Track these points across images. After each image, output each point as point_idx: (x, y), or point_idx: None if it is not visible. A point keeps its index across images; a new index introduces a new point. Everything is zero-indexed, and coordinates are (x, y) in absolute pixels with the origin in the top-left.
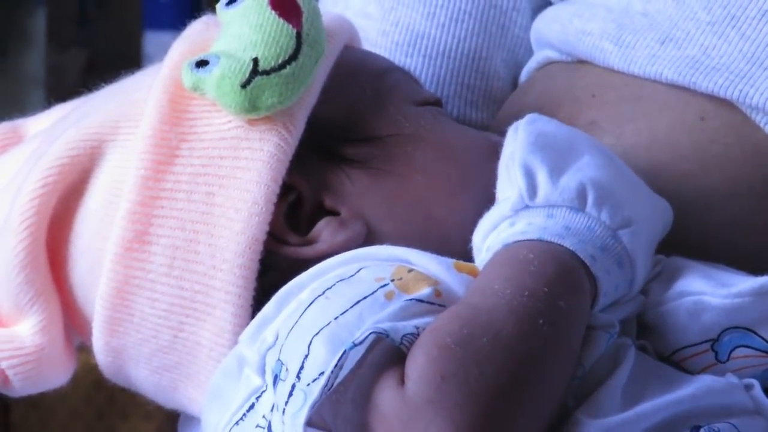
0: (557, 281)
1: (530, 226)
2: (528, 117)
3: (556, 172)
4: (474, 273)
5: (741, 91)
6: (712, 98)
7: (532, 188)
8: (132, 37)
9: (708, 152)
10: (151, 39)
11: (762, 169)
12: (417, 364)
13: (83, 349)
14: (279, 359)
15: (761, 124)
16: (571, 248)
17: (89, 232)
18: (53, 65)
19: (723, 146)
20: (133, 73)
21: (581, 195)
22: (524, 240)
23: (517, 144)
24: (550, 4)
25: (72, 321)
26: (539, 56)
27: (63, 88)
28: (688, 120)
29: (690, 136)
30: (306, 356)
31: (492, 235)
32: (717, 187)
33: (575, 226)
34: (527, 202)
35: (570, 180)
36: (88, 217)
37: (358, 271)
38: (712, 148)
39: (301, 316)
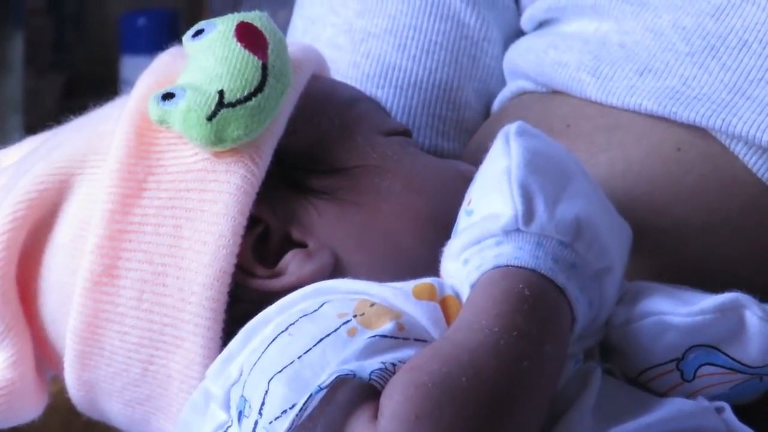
0: (548, 324)
1: (521, 251)
2: (517, 126)
3: (551, 200)
4: (433, 296)
5: (724, 120)
6: (688, 129)
7: (529, 213)
8: (109, 62)
9: (684, 183)
10: (128, 63)
11: (738, 201)
12: (392, 401)
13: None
14: (243, 395)
15: (740, 155)
16: (561, 285)
17: (59, 267)
18: (31, 90)
19: (699, 177)
20: (110, 97)
21: (575, 230)
22: (517, 266)
23: (512, 161)
24: (523, 33)
25: (44, 355)
26: (513, 86)
27: (41, 112)
28: (664, 151)
29: (666, 167)
30: (266, 392)
31: (474, 249)
32: (693, 219)
33: (561, 261)
34: (521, 226)
35: (565, 212)
36: (57, 251)
37: (321, 306)
38: (688, 179)
39: (264, 352)
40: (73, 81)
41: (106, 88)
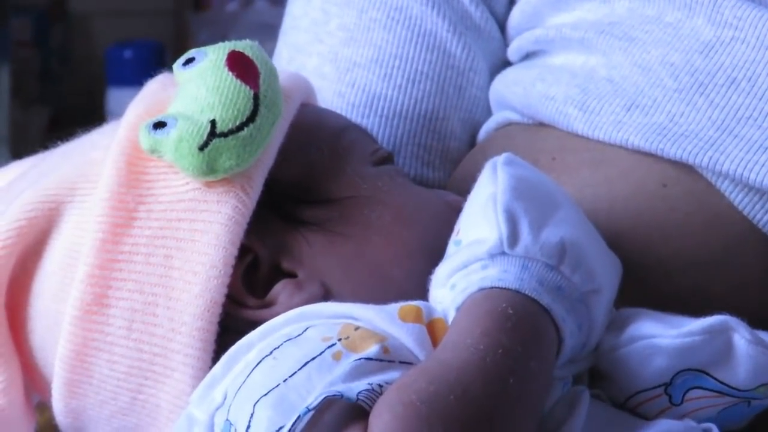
0: (531, 341)
1: (506, 273)
2: (505, 157)
3: (536, 225)
4: (419, 319)
5: (711, 158)
6: (674, 165)
7: (513, 236)
8: (95, 94)
9: (669, 220)
10: (114, 95)
11: (722, 238)
12: (381, 420)
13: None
14: (227, 419)
15: (726, 192)
16: (546, 306)
17: (48, 294)
18: (17, 122)
19: (684, 214)
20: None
21: (559, 253)
22: (501, 288)
23: (498, 187)
24: (509, 63)
25: (32, 382)
26: (499, 117)
27: (27, 145)
28: (650, 187)
29: (651, 203)
30: (252, 416)
31: (460, 274)
32: (677, 255)
33: (547, 283)
34: (506, 249)
35: (550, 235)
36: (46, 279)
37: (305, 330)
38: (673, 215)
39: (248, 376)
40: (59, 113)
41: (93, 120)
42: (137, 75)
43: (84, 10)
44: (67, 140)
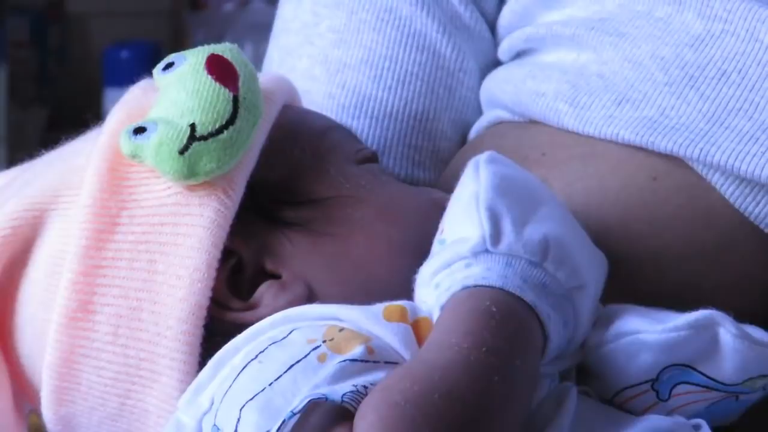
0: (516, 338)
1: (489, 271)
2: (487, 155)
3: (519, 222)
4: (404, 318)
5: (702, 149)
6: (665, 159)
7: (496, 234)
8: (92, 94)
9: (659, 213)
10: (111, 96)
11: (713, 231)
12: (366, 422)
13: None
14: (215, 424)
15: (717, 185)
16: (531, 303)
17: (33, 303)
18: (15, 123)
19: (675, 207)
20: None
21: (543, 250)
22: (485, 286)
23: (481, 185)
24: (500, 63)
25: (22, 390)
26: (490, 115)
27: (24, 145)
28: (640, 180)
29: (641, 197)
30: (239, 420)
31: (444, 273)
32: (668, 249)
33: (531, 280)
34: (489, 247)
35: (533, 232)
36: (31, 287)
37: (290, 333)
38: (664, 209)
39: (234, 381)
40: (57, 113)
41: (90, 120)
42: (134, 75)
43: (81, 11)
44: (65, 140)
